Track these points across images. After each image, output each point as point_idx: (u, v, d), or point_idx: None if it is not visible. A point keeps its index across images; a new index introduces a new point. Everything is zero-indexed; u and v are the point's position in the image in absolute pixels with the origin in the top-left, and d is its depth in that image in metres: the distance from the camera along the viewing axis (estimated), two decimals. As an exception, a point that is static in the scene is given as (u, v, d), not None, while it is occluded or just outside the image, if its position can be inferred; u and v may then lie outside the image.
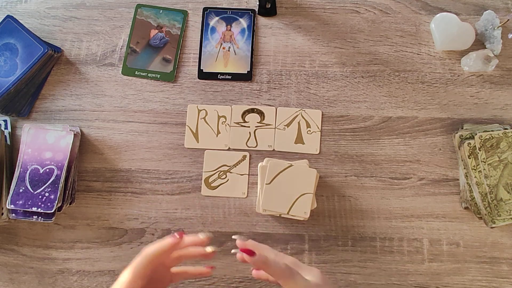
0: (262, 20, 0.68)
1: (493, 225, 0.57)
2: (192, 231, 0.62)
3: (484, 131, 0.59)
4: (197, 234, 0.46)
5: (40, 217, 0.57)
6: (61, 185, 0.58)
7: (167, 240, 0.45)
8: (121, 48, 0.67)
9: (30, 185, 0.58)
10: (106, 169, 0.64)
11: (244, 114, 0.64)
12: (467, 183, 0.59)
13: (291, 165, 0.57)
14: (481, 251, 0.60)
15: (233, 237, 0.46)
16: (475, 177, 0.58)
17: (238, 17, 0.68)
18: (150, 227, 0.62)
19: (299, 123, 0.64)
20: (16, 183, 0.58)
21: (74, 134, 0.61)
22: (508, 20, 0.63)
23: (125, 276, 0.43)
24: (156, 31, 0.67)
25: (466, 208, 0.60)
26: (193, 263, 0.53)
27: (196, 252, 0.48)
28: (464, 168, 0.60)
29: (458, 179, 0.62)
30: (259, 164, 0.60)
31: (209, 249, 0.47)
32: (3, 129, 0.62)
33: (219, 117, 0.65)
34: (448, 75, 0.65)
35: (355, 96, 0.65)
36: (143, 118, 0.65)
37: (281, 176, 0.57)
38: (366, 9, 0.67)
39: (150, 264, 0.44)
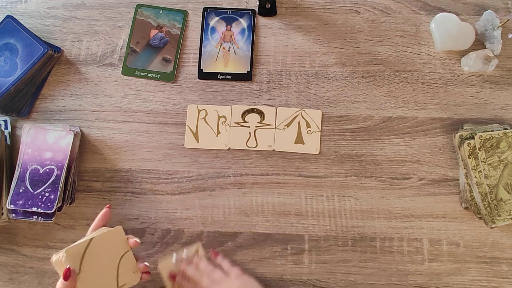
0: (262, 20, 0.68)
1: (493, 225, 0.57)
2: (192, 231, 0.62)
3: (484, 131, 0.59)
4: None
5: (40, 217, 0.57)
6: (61, 185, 0.58)
7: None
8: (121, 48, 0.67)
9: (30, 185, 0.58)
10: (106, 169, 0.64)
11: (244, 114, 0.64)
12: (467, 183, 0.59)
13: (92, 239, 0.49)
14: (481, 251, 0.60)
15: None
16: (475, 177, 0.58)
17: (238, 17, 0.68)
18: (150, 227, 0.62)
19: (299, 123, 0.64)
20: (16, 183, 0.58)
21: (74, 134, 0.61)
22: (508, 20, 0.63)
23: None
24: (156, 31, 0.67)
25: (466, 208, 0.60)
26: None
27: None
28: (464, 168, 0.60)
29: (458, 179, 0.62)
30: (52, 259, 0.50)
31: None
32: (3, 129, 0.62)
33: (219, 117, 0.65)
34: (448, 75, 0.65)
35: (355, 96, 0.64)
36: (143, 118, 0.65)
37: (86, 257, 0.48)
38: (366, 9, 0.67)
39: None
